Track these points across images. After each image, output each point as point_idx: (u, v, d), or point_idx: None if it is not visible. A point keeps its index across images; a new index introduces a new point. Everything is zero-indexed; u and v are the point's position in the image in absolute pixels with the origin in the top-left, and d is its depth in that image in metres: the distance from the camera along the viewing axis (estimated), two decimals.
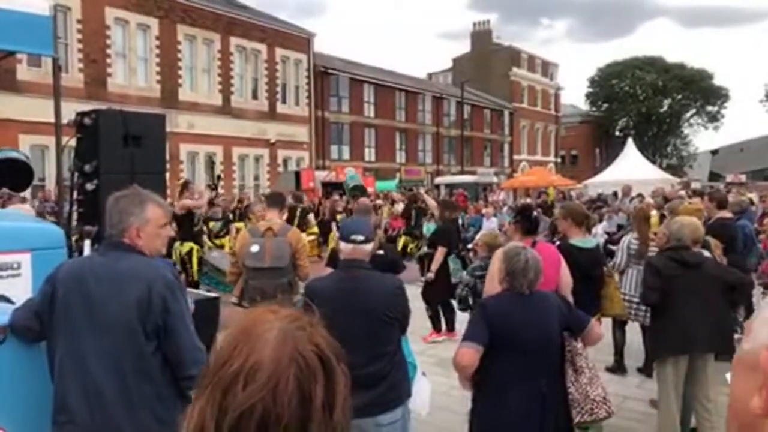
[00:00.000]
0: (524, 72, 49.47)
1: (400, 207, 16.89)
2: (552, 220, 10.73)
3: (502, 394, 2.92)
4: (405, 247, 14.20)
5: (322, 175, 22.81)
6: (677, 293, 4.12)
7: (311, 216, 14.37)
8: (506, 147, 47.92)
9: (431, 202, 11.26)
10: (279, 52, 28.56)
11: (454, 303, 7.61)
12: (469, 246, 13.01)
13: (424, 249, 8.38)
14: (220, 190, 22.96)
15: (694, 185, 23.02)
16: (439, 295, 7.58)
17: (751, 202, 11.35)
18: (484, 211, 17.38)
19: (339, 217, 14.70)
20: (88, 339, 2.21)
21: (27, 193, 11.76)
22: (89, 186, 4.85)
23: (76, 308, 2.23)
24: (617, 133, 57.78)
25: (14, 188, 5.88)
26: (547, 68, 53.08)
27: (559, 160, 54.32)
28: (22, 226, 3.28)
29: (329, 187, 20.29)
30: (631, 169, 23.57)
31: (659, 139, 58.05)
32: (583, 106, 61.29)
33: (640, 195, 13.85)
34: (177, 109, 23.30)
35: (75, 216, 5.05)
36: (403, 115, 37.27)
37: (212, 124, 25.01)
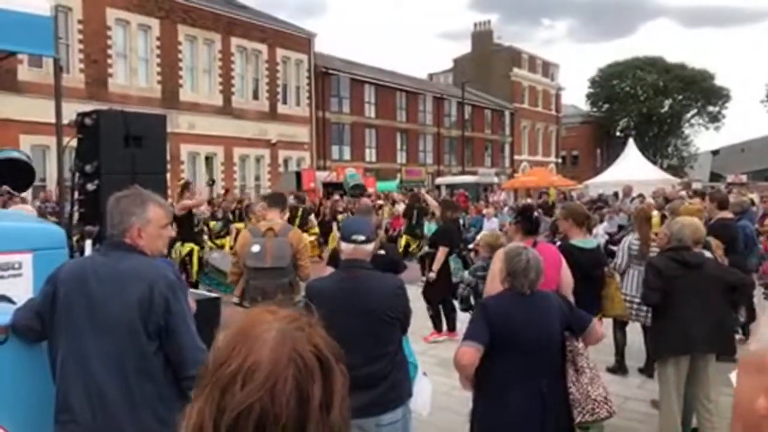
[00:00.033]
0: (525, 72, 49.47)
1: (400, 207, 16.89)
2: (553, 219, 10.74)
3: (503, 394, 2.92)
4: (407, 246, 14.21)
5: (323, 175, 22.83)
6: (678, 294, 4.12)
7: (312, 217, 14.37)
8: (507, 147, 47.93)
9: (432, 202, 11.27)
10: (280, 52, 28.57)
11: (456, 303, 7.64)
12: (470, 246, 13.04)
13: (425, 249, 8.38)
14: (221, 190, 23.04)
15: (695, 186, 23.01)
16: (439, 295, 7.59)
17: (752, 203, 11.35)
18: (484, 211, 17.39)
19: (340, 217, 14.71)
20: (90, 339, 2.21)
21: (28, 194, 11.75)
22: (90, 186, 4.85)
23: (77, 308, 2.24)
24: (618, 134, 57.76)
25: (15, 188, 5.88)
26: (547, 69, 53.09)
27: (559, 160, 54.32)
28: (23, 227, 3.28)
29: (330, 188, 20.30)
30: (632, 169, 23.57)
31: (660, 140, 58.05)
32: (584, 106, 61.34)
33: (640, 195, 13.84)
34: (178, 109, 23.32)
35: (76, 216, 5.05)
36: (404, 116, 37.28)
37: (213, 124, 25.03)
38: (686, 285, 4.11)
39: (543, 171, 35.38)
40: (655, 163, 37.54)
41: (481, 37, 50.79)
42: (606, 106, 57.83)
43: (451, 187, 29.71)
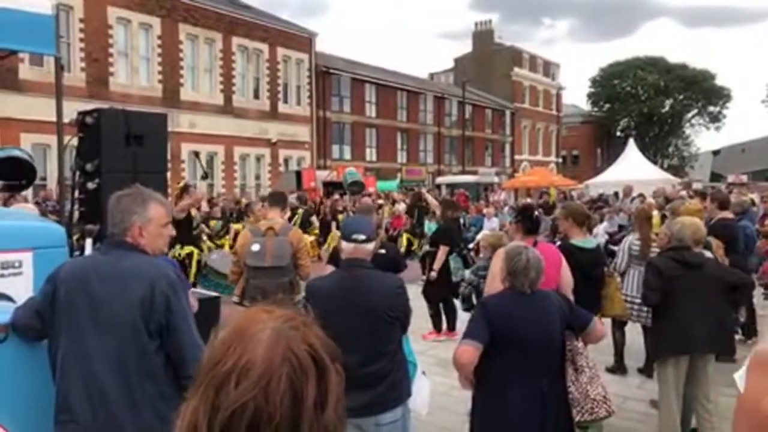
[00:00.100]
0: (526, 72, 49.46)
1: (401, 207, 16.89)
2: (552, 218, 10.74)
3: (503, 393, 2.93)
4: (410, 244, 14.22)
5: (323, 174, 22.82)
6: (678, 294, 4.12)
7: (314, 218, 14.39)
8: (507, 147, 47.92)
9: (433, 201, 11.27)
10: (281, 51, 28.57)
11: (457, 302, 7.64)
12: (470, 245, 13.04)
13: (426, 248, 8.39)
14: (221, 190, 23.03)
15: (696, 185, 23.00)
16: (439, 294, 7.60)
17: (753, 203, 11.35)
18: (485, 211, 17.39)
19: (340, 217, 14.70)
20: (92, 338, 2.21)
21: (28, 192, 11.76)
22: (91, 185, 4.85)
23: (79, 307, 2.24)
24: (618, 134, 57.75)
25: (17, 187, 5.88)
26: (548, 68, 53.07)
27: (560, 160, 54.31)
28: (23, 225, 3.28)
29: (330, 187, 20.29)
30: (633, 169, 23.56)
31: (661, 140, 58.02)
32: (585, 106, 61.33)
33: (641, 195, 13.84)
34: (179, 108, 23.33)
35: (76, 215, 5.05)
36: (405, 115, 37.28)
37: (214, 123, 25.03)
38: (686, 285, 4.11)
39: (543, 171, 35.40)
40: (655, 163, 37.52)
41: (482, 36, 50.77)
42: (607, 105, 57.81)
43: (452, 186, 29.71)
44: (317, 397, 0.90)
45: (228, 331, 0.95)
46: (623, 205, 13.13)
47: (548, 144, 53.07)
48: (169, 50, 23.75)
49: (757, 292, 7.20)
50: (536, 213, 4.91)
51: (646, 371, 5.91)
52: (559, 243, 5.39)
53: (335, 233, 13.03)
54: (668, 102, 57.41)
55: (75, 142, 5.01)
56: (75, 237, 5.06)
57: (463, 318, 5.60)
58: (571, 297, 3.81)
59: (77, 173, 5.02)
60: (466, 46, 64.64)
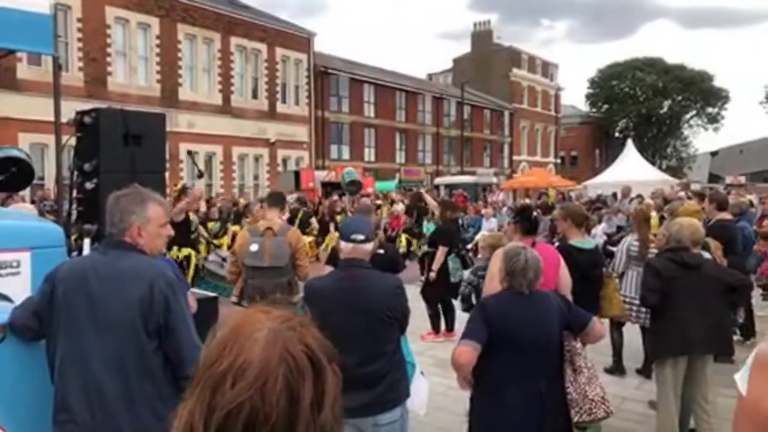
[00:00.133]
0: (524, 72, 49.49)
1: (399, 207, 16.89)
2: (550, 218, 10.73)
3: (501, 394, 2.93)
4: (408, 244, 14.22)
5: (321, 174, 22.83)
6: (677, 294, 4.12)
7: (313, 220, 14.39)
8: (506, 147, 47.95)
9: (431, 202, 11.27)
10: (279, 51, 28.57)
11: (456, 303, 7.64)
12: (469, 246, 13.04)
13: (425, 248, 8.39)
14: (219, 190, 23.01)
15: (694, 186, 23.02)
16: (438, 294, 7.59)
17: (751, 204, 11.37)
18: (483, 211, 17.40)
19: (338, 218, 14.70)
20: (90, 338, 2.20)
21: (26, 192, 11.74)
22: (89, 185, 4.84)
23: (77, 307, 2.23)
24: (617, 134, 57.82)
25: (15, 187, 5.87)
26: (547, 69, 53.11)
27: (558, 160, 54.36)
28: (21, 225, 3.28)
29: (329, 187, 20.30)
30: (631, 170, 23.59)
31: (659, 141, 58.09)
32: (583, 107, 61.38)
33: (639, 196, 13.84)
34: (177, 108, 23.31)
35: (74, 215, 5.04)
36: (403, 116, 37.29)
37: (212, 123, 25.02)
38: (685, 286, 4.12)
39: (542, 171, 35.47)
40: (654, 163, 37.59)
41: (481, 37, 50.79)
42: (605, 106, 57.87)
43: (450, 187, 29.72)
44: (313, 398, 0.89)
45: (225, 332, 0.95)
46: (622, 206, 13.14)
47: (547, 145, 53.10)
48: (167, 50, 23.74)
49: (756, 293, 7.20)
50: (535, 213, 4.92)
51: (644, 372, 5.91)
52: (557, 244, 5.40)
53: (333, 234, 13.03)
54: (667, 103, 57.48)
55: (73, 141, 5.01)
56: (73, 237, 5.05)
57: (461, 318, 5.60)
58: (570, 298, 3.81)
59: (75, 173, 5.01)
60: (464, 47, 64.72)
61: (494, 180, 35.07)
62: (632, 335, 6.17)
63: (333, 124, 32.13)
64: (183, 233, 8.01)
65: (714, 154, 59.69)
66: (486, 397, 3.02)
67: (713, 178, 50.98)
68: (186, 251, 8.08)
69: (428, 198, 12.76)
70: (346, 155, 32.53)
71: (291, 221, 8.68)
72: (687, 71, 56.35)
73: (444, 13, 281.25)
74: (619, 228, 10.46)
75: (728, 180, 40.11)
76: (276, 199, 5.38)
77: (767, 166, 49.67)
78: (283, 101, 29.04)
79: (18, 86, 18.72)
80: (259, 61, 27.77)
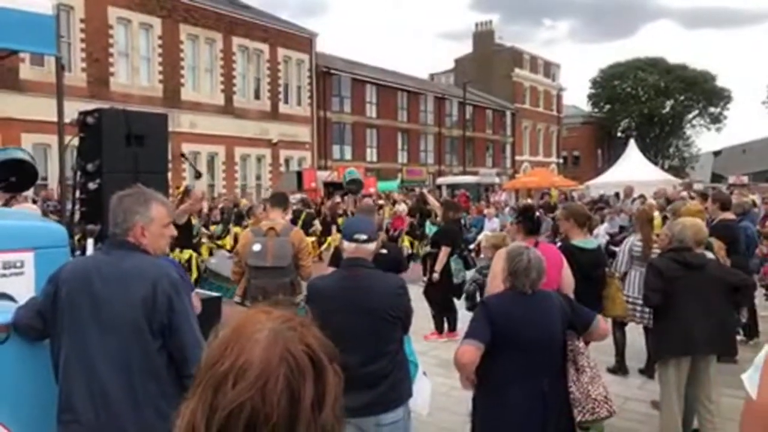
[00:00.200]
0: (526, 73, 49.46)
1: (401, 207, 16.88)
2: (552, 217, 10.73)
3: (504, 393, 2.93)
4: (411, 246, 14.22)
5: (324, 175, 22.83)
6: (679, 295, 4.12)
7: (317, 222, 14.39)
8: (508, 148, 47.92)
9: (434, 202, 11.27)
10: (281, 52, 28.58)
11: (457, 302, 7.64)
12: (471, 246, 13.03)
13: (427, 248, 8.39)
14: (222, 190, 23.02)
15: (697, 186, 23.00)
16: (440, 295, 7.59)
17: (754, 204, 11.34)
18: (485, 211, 17.41)
19: (340, 220, 14.68)
20: (94, 338, 2.21)
21: (29, 192, 11.76)
22: (92, 185, 4.84)
23: (81, 307, 2.24)
24: (619, 134, 57.76)
25: (18, 188, 5.87)
26: (549, 69, 53.07)
27: (561, 160, 54.30)
28: (25, 225, 3.28)
29: (331, 187, 20.29)
30: (633, 170, 23.56)
31: (661, 141, 58.02)
32: (585, 107, 61.34)
33: (642, 196, 13.82)
34: (179, 108, 23.35)
35: (77, 215, 5.04)
36: (405, 116, 37.29)
37: (214, 123, 25.05)
38: (687, 286, 4.11)
39: (544, 171, 35.39)
40: (656, 163, 37.51)
41: (483, 37, 50.77)
42: (607, 106, 57.82)
43: (452, 187, 29.74)
44: (314, 397, 0.90)
45: (226, 332, 0.95)
46: (624, 206, 13.11)
47: (549, 145, 53.06)
48: (169, 50, 23.77)
49: (759, 293, 7.19)
50: (537, 214, 4.91)
51: (647, 372, 5.91)
52: (559, 244, 5.39)
53: (336, 236, 13.03)
54: (669, 103, 57.42)
55: (76, 142, 5.01)
56: (76, 237, 5.05)
57: (465, 318, 5.60)
58: (572, 297, 3.81)
59: (78, 173, 5.01)
60: (466, 47, 64.66)
61: (496, 180, 35.06)
62: (635, 335, 6.16)
63: (335, 125, 32.14)
64: (185, 235, 8.03)
65: (716, 153, 59.52)
66: (489, 396, 3.02)
67: (716, 177, 50.86)
68: (188, 253, 8.10)
69: (431, 198, 12.76)
70: (348, 155, 32.54)
71: (294, 222, 8.67)
72: (689, 71, 56.28)
73: (445, 13, 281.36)
74: (622, 228, 10.44)
75: (731, 180, 39.98)
76: (279, 200, 5.38)
77: None
78: (285, 101, 29.06)
79: (21, 87, 18.75)
80: (261, 62, 27.80)
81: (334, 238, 13.20)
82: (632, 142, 28.56)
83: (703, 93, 56.52)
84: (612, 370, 6.03)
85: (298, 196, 16.27)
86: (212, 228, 13.27)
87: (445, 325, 7.67)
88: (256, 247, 4.80)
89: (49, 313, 2.30)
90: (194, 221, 8.64)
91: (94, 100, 16.33)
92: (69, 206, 5.33)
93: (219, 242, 12.87)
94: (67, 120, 4.94)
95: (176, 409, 0.95)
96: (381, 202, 18.30)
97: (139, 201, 2.38)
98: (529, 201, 19.45)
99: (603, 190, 21.23)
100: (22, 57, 17.27)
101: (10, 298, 2.76)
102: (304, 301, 3.73)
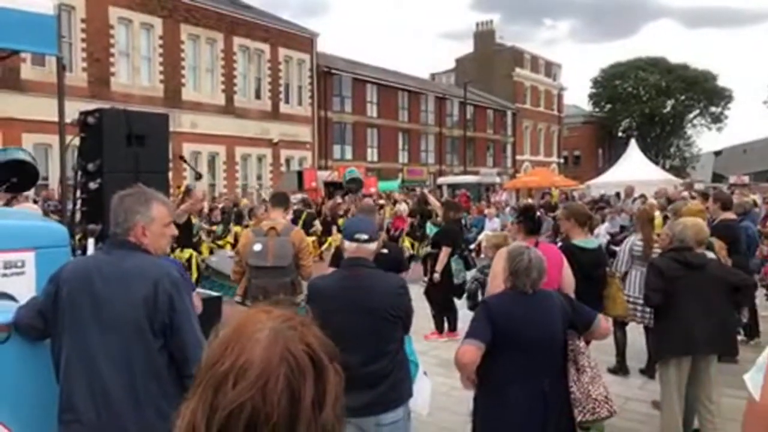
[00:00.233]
0: (527, 72, 49.44)
1: (402, 207, 16.88)
2: (553, 216, 10.72)
3: (505, 393, 2.93)
4: (412, 246, 14.22)
5: (324, 174, 22.83)
6: (680, 294, 4.11)
7: (317, 222, 14.39)
8: (509, 147, 47.90)
9: (435, 202, 11.26)
10: (282, 51, 28.59)
11: (458, 302, 7.64)
12: (471, 246, 13.02)
13: (427, 249, 8.39)
14: (223, 190, 23.02)
15: (697, 186, 22.98)
16: (441, 295, 7.59)
17: (755, 204, 11.33)
18: (486, 211, 17.40)
19: (340, 221, 14.68)
20: (95, 338, 2.21)
21: (30, 192, 11.77)
22: (93, 185, 4.85)
23: (82, 307, 2.24)
24: (620, 134, 57.73)
25: (19, 188, 5.88)
26: (550, 69, 53.04)
27: (561, 160, 54.27)
28: (26, 225, 3.29)
29: (331, 187, 20.30)
30: (634, 169, 23.54)
31: (662, 140, 57.99)
32: (586, 106, 61.32)
33: (642, 196, 13.82)
34: (180, 108, 23.35)
35: (78, 215, 5.05)
36: (406, 116, 37.28)
37: (215, 123, 25.06)
38: (688, 286, 4.11)
39: (545, 171, 35.38)
40: (657, 163, 37.47)
41: (484, 37, 50.75)
42: (608, 106, 57.79)
43: (453, 187, 29.73)
44: (315, 397, 0.90)
45: (226, 332, 0.95)
46: (625, 206, 13.10)
47: (550, 144, 53.04)
48: (170, 50, 23.77)
49: (760, 293, 7.19)
50: (538, 213, 4.91)
51: (648, 372, 5.90)
52: (560, 243, 5.39)
53: (336, 236, 13.04)
54: (670, 102, 57.39)
55: (77, 142, 5.01)
56: (77, 237, 5.06)
57: (465, 318, 5.60)
58: (573, 297, 3.81)
59: (79, 173, 5.02)
60: (467, 47, 64.72)
61: (497, 180, 35.03)
62: (636, 335, 6.16)
63: (336, 124, 32.14)
64: (185, 234, 8.05)
65: (717, 153, 59.49)
66: (489, 396, 3.02)
67: (717, 177, 50.83)
68: (188, 252, 8.11)
69: (431, 198, 12.76)
70: (349, 155, 32.53)
71: (294, 222, 8.69)
72: (690, 71, 56.24)
73: (446, 13, 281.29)
74: (623, 228, 10.43)
75: (732, 179, 39.94)
76: (280, 199, 5.39)
77: None
78: (286, 101, 29.07)
79: (22, 87, 18.76)
80: (262, 62, 27.80)
81: (335, 238, 13.21)
82: (633, 142, 28.53)
83: (704, 93, 56.48)
84: (613, 370, 6.03)
85: (299, 196, 16.27)
86: (213, 228, 13.28)
87: (446, 325, 7.67)
88: (257, 247, 4.80)
89: (50, 313, 2.30)
90: (194, 220, 8.66)
91: (95, 100, 16.34)
92: (70, 206, 5.33)
93: (219, 242, 12.89)
94: (68, 120, 4.94)
95: (177, 408, 0.95)
96: (382, 201, 18.30)
97: (140, 201, 2.39)
98: (530, 201, 19.44)
99: (604, 190, 21.21)
100: (23, 57, 17.28)
101: (11, 297, 2.76)
102: (304, 300, 3.74)
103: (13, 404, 2.37)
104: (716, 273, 4.25)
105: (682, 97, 57.08)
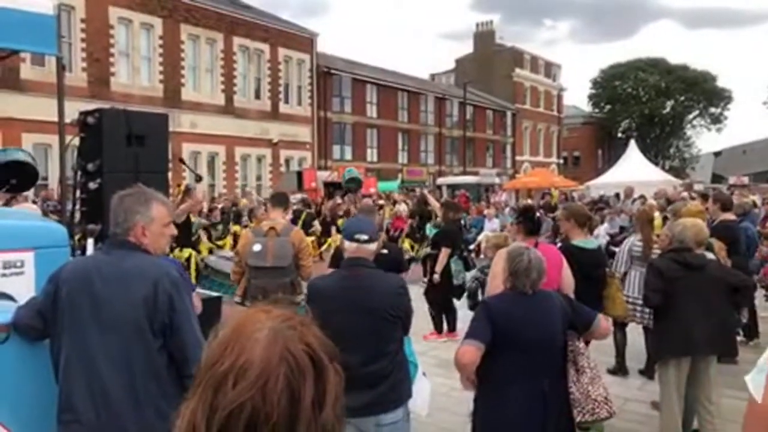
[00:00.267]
0: (527, 73, 49.45)
1: (401, 207, 16.88)
2: (553, 217, 10.72)
3: (505, 394, 2.93)
4: (412, 247, 14.22)
5: (324, 175, 22.83)
6: (680, 295, 4.12)
7: (316, 222, 14.39)
8: (509, 148, 47.91)
9: (434, 203, 11.26)
10: (282, 52, 28.59)
11: (457, 303, 7.64)
12: (471, 247, 13.02)
13: (427, 250, 8.38)
14: (222, 190, 23.02)
15: (697, 187, 22.99)
16: (440, 296, 7.59)
17: (754, 205, 11.34)
18: (486, 212, 17.40)
19: (340, 221, 14.68)
20: (95, 338, 2.21)
21: (30, 192, 11.76)
22: (92, 185, 4.85)
23: (81, 307, 2.24)
24: (620, 135, 57.75)
25: (19, 188, 5.88)
26: (549, 69, 53.05)
27: (561, 161, 54.28)
28: (25, 225, 3.29)
29: (331, 187, 20.30)
30: (634, 170, 23.55)
31: (662, 141, 58.01)
32: (586, 107, 61.33)
33: (642, 197, 13.83)
34: (180, 108, 23.35)
35: (78, 215, 5.05)
36: (406, 116, 37.29)
37: (215, 123, 25.05)
38: (688, 286, 4.11)
39: (544, 172, 35.37)
40: (656, 164, 37.49)
41: (483, 37, 50.76)
42: (608, 107, 57.80)
43: (453, 187, 29.73)
44: (315, 397, 0.89)
45: (226, 332, 0.95)
46: (624, 207, 13.11)
47: (549, 145, 53.05)
48: (170, 50, 23.77)
49: (759, 294, 7.19)
50: (537, 214, 4.91)
51: (647, 373, 5.90)
52: (560, 244, 5.39)
53: (336, 237, 13.04)
54: (669, 103, 57.40)
55: (76, 142, 5.01)
56: (77, 237, 5.06)
57: (464, 318, 5.60)
58: (573, 297, 3.81)
59: (79, 173, 5.02)
60: (467, 47, 64.72)
61: (497, 180, 35.04)
62: (635, 336, 6.16)
63: (335, 125, 32.14)
64: (184, 234, 8.05)
65: (717, 154, 59.52)
66: (489, 396, 3.02)
67: (716, 178, 50.85)
68: (187, 252, 8.11)
69: (431, 199, 12.76)
70: (348, 155, 32.53)
71: (294, 222, 8.70)
72: (690, 71, 56.26)
73: (446, 14, 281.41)
74: (622, 228, 10.44)
75: (731, 180, 39.96)
76: (279, 200, 5.39)
77: None
78: (286, 101, 29.07)
79: (21, 86, 18.76)
80: (261, 62, 27.80)
81: (335, 239, 13.20)
82: (632, 143, 28.55)
83: (703, 93, 56.50)
84: (612, 371, 6.03)
85: (299, 196, 16.28)
86: (212, 227, 13.28)
87: (445, 326, 7.66)
88: (257, 247, 4.80)
89: (49, 313, 2.30)
90: (193, 219, 8.66)
91: (95, 100, 16.34)
92: (69, 206, 5.33)
93: (219, 242, 12.90)
94: (67, 120, 4.94)
95: (177, 409, 0.94)
96: (381, 202, 18.31)
97: (139, 201, 2.38)
98: (530, 201, 19.45)
99: (603, 191, 21.22)
100: (23, 57, 17.28)
101: (10, 297, 2.76)
102: (304, 300, 3.74)
103: (12, 404, 2.37)
104: (716, 274, 4.25)
105: (682, 98, 57.10)
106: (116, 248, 2.37)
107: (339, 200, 17.14)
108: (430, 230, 11.87)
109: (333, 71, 31.63)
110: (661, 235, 5.44)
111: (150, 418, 2.17)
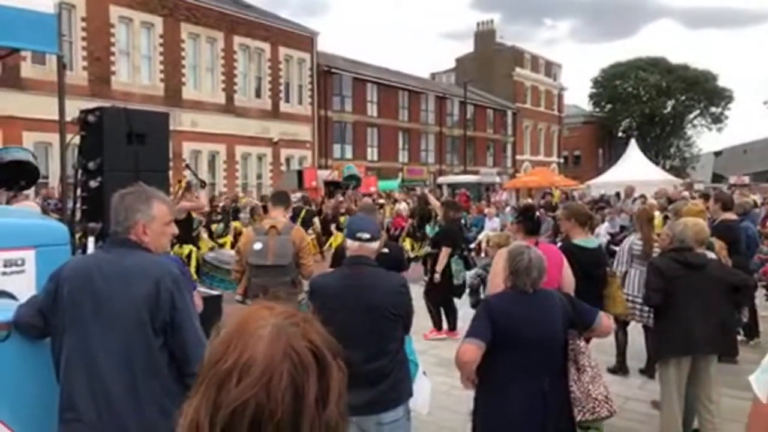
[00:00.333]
0: (527, 72, 49.43)
1: (402, 206, 16.87)
2: (553, 216, 10.72)
3: (505, 392, 2.93)
4: (412, 247, 14.21)
5: (324, 174, 22.82)
6: (680, 294, 4.12)
7: (316, 219, 14.39)
8: (509, 147, 47.90)
9: (435, 202, 11.26)
10: (282, 50, 28.58)
11: (457, 302, 7.64)
12: (471, 246, 13.02)
13: (427, 249, 8.38)
14: (223, 189, 23.02)
15: (697, 186, 22.99)
16: (440, 295, 7.59)
17: (755, 204, 11.34)
18: (486, 211, 17.41)
19: (342, 219, 14.67)
20: (96, 337, 2.21)
21: (31, 191, 11.77)
22: (93, 183, 4.85)
23: (82, 306, 2.23)
24: (620, 134, 57.73)
25: (20, 186, 5.89)
26: (550, 68, 53.03)
27: (561, 160, 54.27)
28: (26, 223, 3.28)
29: (332, 186, 20.29)
30: (634, 170, 23.55)
31: (662, 140, 57.99)
32: (587, 106, 61.32)
33: (642, 196, 13.82)
34: (180, 107, 23.34)
35: (79, 213, 5.06)
36: (406, 115, 37.27)
37: (215, 122, 25.05)
38: (688, 286, 4.11)
39: (545, 171, 35.37)
40: (657, 163, 37.49)
41: (484, 36, 50.73)
42: (608, 106, 57.79)
43: (453, 186, 29.74)
44: (318, 393, 0.89)
45: (229, 329, 0.95)
46: (625, 206, 13.11)
47: (550, 144, 53.04)
48: (170, 49, 23.77)
49: (759, 293, 7.19)
50: (537, 214, 4.91)
51: (647, 372, 5.91)
52: (560, 243, 5.39)
53: (337, 235, 13.03)
54: (670, 103, 57.38)
55: (77, 140, 5.02)
56: (77, 235, 5.06)
57: (465, 317, 5.60)
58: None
59: (79, 171, 5.03)
60: (467, 46, 64.72)
61: (497, 179, 35.04)
62: (635, 335, 6.16)
63: (336, 124, 32.14)
64: (185, 230, 8.05)
65: (717, 154, 59.49)
66: (489, 395, 3.02)
67: (717, 178, 50.85)
68: (187, 248, 8.11)
69: (432, 198, 12.76)
70: (349, 154, 32.51)
71: (293, 220, 8.70)
72: (690, 71, 56.23)
73: (447, 13, 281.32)
74: (623, 228, 10.44)
75: (732, 180, 39.95)
76: (280, 198, 5.38)
77: None
78: (287, 100, 29.06)
79: (22, 85, 18.76)
80: (262, 61, 27.80)
81: (336, 237, 13.19)
82: (633, 142, 28.54)
83: (704, 93, 56.48)
84: (612, 370, 6.03)
85: (299, 194, 16.27)
86: (213, 227, 13.29)
87: (445, 324, 7.66)
88: (257, 246, 4.80)
89: (50, 312, 2.30)
90: (194, 215, 8.66)
91: (96, 99, 16.33)
92: (70, 204, 5.34)
93: (220, 241, 12.90)
94: (68, 118, 4.95)
95: (178, 407, 0.94)
96: (382, 201, 18.31)
97: (140, 199, 2.38)
98: (530, 201, 19.45)
99: (604, 190, 21.23)
100: (23, 55, 17.29)
101: (11, 296, 2.76)
102: (305, 299, 3.74)
103: (13, 403, 2.37)
104: (716, 273, 4.25)
105: (683, 98, 57.09)
106: (117, 246, 2.37)
107: (341, 198, 17.14)
108: (430, 230, 11.89)
109: (333, 70, 31.62)
110: (661, 235, 5.44)
111: (151, 417, 2.16)
